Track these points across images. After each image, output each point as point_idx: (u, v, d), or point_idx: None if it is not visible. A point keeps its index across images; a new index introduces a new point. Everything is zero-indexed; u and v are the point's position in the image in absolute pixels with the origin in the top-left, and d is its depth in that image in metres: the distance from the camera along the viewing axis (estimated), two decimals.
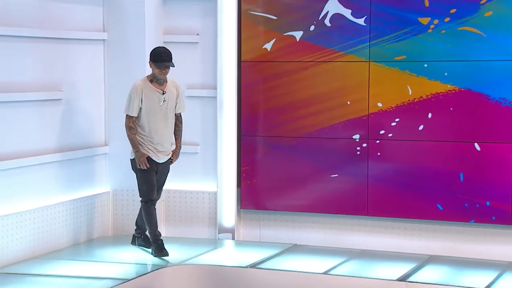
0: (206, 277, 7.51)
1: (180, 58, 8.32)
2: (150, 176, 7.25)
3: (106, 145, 8.62)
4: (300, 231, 8.46)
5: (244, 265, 7.47)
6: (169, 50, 7.19)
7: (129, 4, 8.58)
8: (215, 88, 8.51)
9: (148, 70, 8.23)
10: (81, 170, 8.36)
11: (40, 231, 7.69)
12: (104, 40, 8.55)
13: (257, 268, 7.42)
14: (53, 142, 8.01)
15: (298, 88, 8.37)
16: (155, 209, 7.44)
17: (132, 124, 7.09)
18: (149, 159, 7.16)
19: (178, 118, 7.40)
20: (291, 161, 8.48)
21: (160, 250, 7.24)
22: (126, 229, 8.64)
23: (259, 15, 8.36)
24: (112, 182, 8.61)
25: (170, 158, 7.39)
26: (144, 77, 7.18)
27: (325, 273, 7.16)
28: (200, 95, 8.63)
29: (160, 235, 7.42)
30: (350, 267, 7.41)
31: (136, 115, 7.10)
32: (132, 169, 7.34)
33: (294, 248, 8.11)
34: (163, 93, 7.10)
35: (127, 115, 7.11)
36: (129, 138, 7.13)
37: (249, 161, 8.69)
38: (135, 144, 7.10)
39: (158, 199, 7.49)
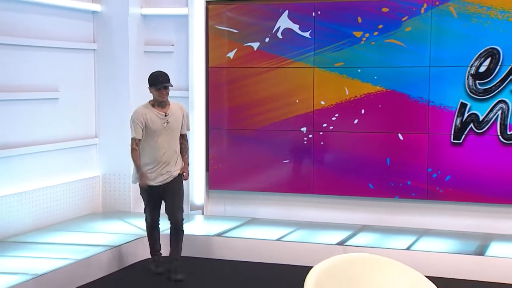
0: (187, 244, 7.20)
1: (158, 65, 8.25)
2: (153, 201, 6.52)
3: (96, 137, 8.68)
4: (258, 207, 8.52)
5: (212, 234, 7.60)
6: (165, 73, 6.53)
7: (115, 20, 8.56)
8: (188, 90, 8.60)
9: (132, 76, 8.47)
10: (75, 158, 8.40)
11: (41, 208, 7.79)
12: (94, 49, 8.59)
13: (222, 236, 7.55)
14: (52, 134, 8.04)
15: (256, 90, 8.48)
16: (157, 230, 6.63)
17: (136, 146, 6.40)
18: (151, 187, 6.40)
19: (184, 138, 6.70)
20: (250, 150, 8.57)
21: (155, 266, 6.55)
22: (114, 207, 8.77)
23: (223, 29, 8.45)
24: (101, 168, 8.67)
25: (180, 174, 6.51)
26: (146, 102, 6.50)
27: (278, 239, 7.40)
28: (175, 95, 8.15)
29: (158, 251, 6.64)
30: (298, 235, 7.57)
31: (140, 137, 6.37)
32: (140, 194, 6.63)
33: (252, 221, 8.22)
34: (166, 115, 6.39)
35: (132, 138, 6.43)
36: (132, 159, 6.46)
37: (216, 149, 8.71)
38: (137, 165, 6.43)
39: (177, 223, 6.42)
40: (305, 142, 8.34)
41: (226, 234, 7.67)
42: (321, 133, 8.30)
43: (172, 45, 8.73)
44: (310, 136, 8.32)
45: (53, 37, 7.97)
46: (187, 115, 6.72)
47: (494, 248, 7.11)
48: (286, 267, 7.01)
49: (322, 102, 8.27)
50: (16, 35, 7.34)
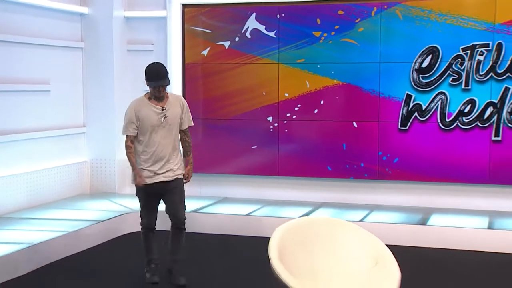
0: (160, 220, 6.81)
1: (139, 62, 8.29)
2: (151, 201, 5.53)
3: (84, 126, 8.71)
4: (229, 187, 8.54)
5: (189, 211, 7.32)
6: (163, 67, 5.53)
7: (100, 21, 8.56)
8: None
9: (116, 72, 8.53)
10: (65, 144, 8.41)
11: (34, 188, 7.82)
12: (82, 48, 8.58)
13: (198, 212, 7.58)
14: (44, 122, 8.00)
15: (227, 83, 8.53)
16: (153, 234, 5.61)
17: (130, 143, 5.45)
18: (148, 186, 5.42)
19: (186, 133, 5.67)
20: (223, 137, 8.61)
21: (151, 274, 5.49)
22: (100, 188, 8.79)
23: (198, 29, 8.49)
24: (89, 154, 8.70)
25: (182, 176, 5.61)
26: (142, 95, 5.52)
27: (247, 215, 7.52)
28: None
29: (155, 259, 5.55)
30: (265, 211, 7.67)
31: (131, 134, 5.43)
32: (136, 194, 5.62)
33: (224, 200, 8.30)
34: (163, 109, 5.40)
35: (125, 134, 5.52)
36: (127, 158, 5.51)
37: (192, 137, 8.21)
38: (131, 163, 5.47)
39: (179, 221, 5.50)
40: (271, 130, 8.41)
41: (201, 211, 7.70)
42: (285, 121, 8.37)
43: (152, 44, 8.73)
44: (276, 124, 8.39)
45: (45, 36, 7.99)
46: (188, 108, 5.66)
47: (434, 219, 7.29)
48: (254, 238, 7.02)
49: (286, 94, 8.35)
50: (12, 33, 7.37)
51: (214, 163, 8.66)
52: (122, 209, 7.57)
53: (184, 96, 8.57)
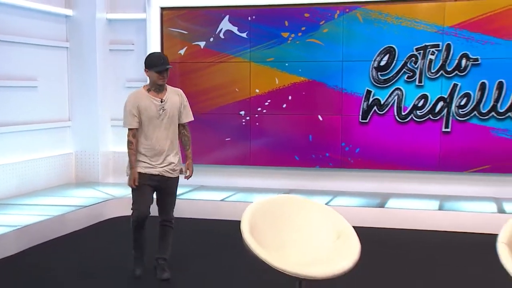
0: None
1: (121, 61, 8.70)
2: (146, 194, 4.95)
3: (69, 120, 8.61)
4: (205, 176, 8.34)
5: None
6: (164, 55, 5.12)
7: (84, 23, 8.48)
8: (146, 81, 7.79)
9: (99, 70, 8.46)
10: (52, 137, 8.35)
11: (23, 177, 7.76)
12: (67, 47, 8.51)
13: (176, 199, 7.41)
14: (32, 116, 7.92)
15: (203, 81, 8.50)
16: (144, 230, 5.05)
17: (132, 138, 4.88)
18: (146, 176, 4.88)
19: (185, 127, 5.12)
20: (199, 130, 8.14)
21: (137, 266, 5.08)
22: (85, 178, 8.70)
23: (175, 30, 8.45)
24: (74, 146, 8.64)
25: (178, 177, 5.12)
26: (140, 88, 5.01)
27: (221, 200, 7.57)
28: (136, 86, 8.10)
29: (142, 256, 5.11)
30: (238, 197, 7.70)
31: (134, 127, 4.86)
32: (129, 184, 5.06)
33: (200, 187, 8.27)
34: (162, 101, 4.88)
35: (128, 128, 4.94)
36: (128, 154, 4.94)
37: None
38: (130, 163, 4.89)
39: (168, 220, 5.07)
40: (243, 123, 8.43)
41: (180, 197, 7.16)
42: (256, 115, 8.38)
43: (133, 44, 8.67)
44: (248, 118, 8.40)
45: (33, 36, 7.93)
46: (187, 101, 5.12)
47: (391, 203, 7.39)
48: (228, 221, 6.99)
49: (257, 90, 8.36)
50: (2, 33, 7.30)
51: (192, 154, 8.57)
52: (105, 196, 7.54)
53: None
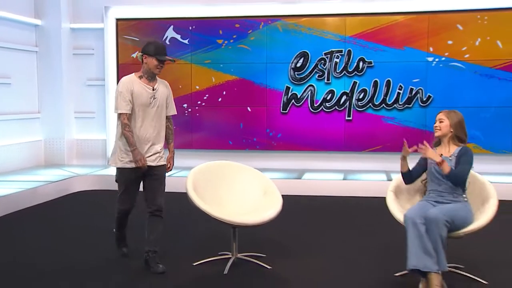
0: (101, 180, 7.48)
1: (83, 63, 8.55)
2: (133, 184, 4.16)
3: (39, 112, 8.45)
4: None
5: None
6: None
7: (51, 30, 8.34)
8: (104, 80, 8.46)
9: (64, 71, 8.29)
10: (23, 126, 8.20)
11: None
12: (36, 51, 8.38)
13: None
14: (6, 108, 7.75)
15: None
16: (127, 221, 4.34)
17: (127, 121, 4.01)
18: (132, 170, 4.07)
19: (169, 120, 4.40)
20: None
21: (123, 245, 4.39)
22: (52, 161, 8.51)
23: (128, 37, 8.36)
24: (43, 134, 8.50)
25: (165, 164, 4.33)
26: (132, 74, 4.14)
27: (169, 176, 7.06)
28: (96, 84, 8.56)
29: (125, 235, 4.39)
30: (181, 173, 7.55)
31: (128, 111, 4.01)
32: (116, 180, 4.22)
33: None
34: (153, 90, 4.13)
35: (119, 113, 4.03)
36: (125, 137, 4.01)
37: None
38: (131, 143, 3.99)
39: (157, 209, 4.11)
40: (186, 114, 8.35)
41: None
42: (196, 108, 8.33)
43: (93, 49, 8.57)
44: (190, 110, 8.30)
45: (7, 41, 7.81)
46: (172, 95, 4.41)
47: (306, 176, 7.56)
48: (175, 193, 6.44)
49: (197, 87, 8.32)
50: None
51: None
52: (71, 174, 7.48)
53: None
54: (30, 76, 8.29)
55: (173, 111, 4.40)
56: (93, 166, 8.27)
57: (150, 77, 4.15)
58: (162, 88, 4.24)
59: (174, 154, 4.51)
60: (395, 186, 4.13)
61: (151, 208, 4.13)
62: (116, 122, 4.17)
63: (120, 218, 4.30)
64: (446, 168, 3.72)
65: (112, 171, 6.86)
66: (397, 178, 4.12)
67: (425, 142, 3.84)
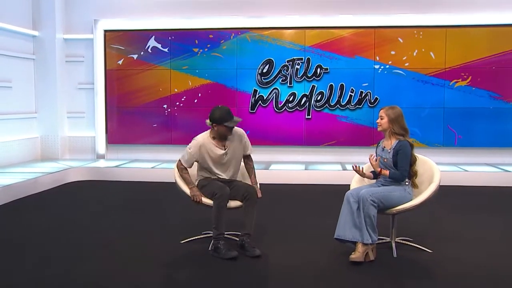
0: (93, 172, 7.69)
1: (74, 69, 8.71)
2: (216, 183, 4.18)
3: (36, 112, 8.77)
4: (138, 153, 8.76)
5: (112, 166, 7.93)
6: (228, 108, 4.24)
7: (47, 41, 8.60)
8: (93, 84, 8.74)
9: (58, 76, 8.50)
10: (22, 125, 8.47)
11: (1, 155, 7.87)
12: (34, 59, 8.68)
13: (118, 167, 7.84)
14: (7, 109, 8.03)
15: (136, 83, 8.62)
16: (226, 207, 4.12)
17: (183, 166, 4.19)
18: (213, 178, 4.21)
19: (248, 158, 4.40)
20: (133, 119, 8.70)
21: (226, 250, 4.03)
22: (48, 156, 8.76)
23: (115, 46, 8.66)
24: (39, 131, 8.80)
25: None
26: (207, 133, 4.26)
27: (151, 168, 7.76)
28: (86, 87, 8.81)
29: (223, 236, 4.10)
30: (163, 166, 7.71)
31: (188, 167, 4.20)
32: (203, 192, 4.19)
33: (135, 160, 8.54)
34: (225, 148, 4.19)
35: (181, 160, 4.23)
36: (182, 178, 4.22)
37: (111, 119, 8.76)
38: (188, 182, 4.17)
39: (251, 193, 4.14)
40: (166, 114, 8.62)
41: (120, 167, 7.95)
42: (175, 108, 8.57)
43: (83, 57, 8.82)
44: (169, 110, 8.60)
45: (8, 49, 8.08)
46: (247, 138, 4.37)
47: (273, 167, 7.87)
48: (157, 183, 7.28)
49: (176, 90, 8.57)
50: None
51: (127, 137, 8.76)
52: (65, 166, 7.76)
53: (105, 92, 8.61)
54: (28, 80, 8.60)
55: (249, 150, 4.40)
56: (84, 160, 8.60)
57: (223, 138, 4.22)
58: (235, 140, 4.27)
59: (257, 184, 4.38)
60: (365, 168, 4.29)
61: (246, 196, 4.17)
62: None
63: (220, 205, 4.09)
64: (386, 173, 3.99)
65: (101, 163, 7.39)
66: (366, 165, 4.36)
67: (370, 156, 4.03)
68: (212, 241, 4.13)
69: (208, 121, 4.25)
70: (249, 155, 4.44)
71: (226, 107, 4.24)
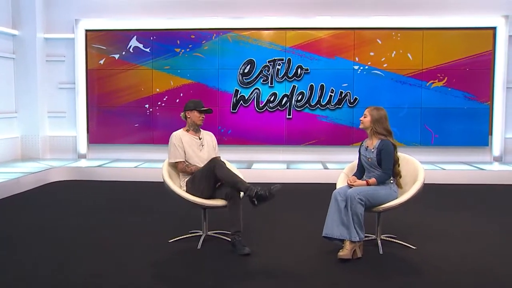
0: (75, 172, 7.66)
1: (55, 69, 8.66)
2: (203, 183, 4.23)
3: (16, 112, 8.71)
4: (120, 152, 8.72)
5: (93, 166, 7.89)
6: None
7: (27, 40, 8.55)
8: (74, 83, 8.70)
9: (38, 76, 8.38)
10: (3, 125, 8.43)
11: None
12: (14, 58, 8.61)
13: (101, 167, 7.81)
14: None
15: (118, 82, 8.61)
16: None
17: (186, 166, 4.36)
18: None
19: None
20: (114, 118, 8.66)
21: (242, 246, 4.09)
22: (28, 155, 8.72)
23: (96, 46, 8.63)
24: (20, 131, 8.77)
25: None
26: (180, 129, 4.51)
27: (134, 167, 7.77)
28: (67, 87, 8.76)
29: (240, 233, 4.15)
30: (145, 165, 7.79)
31: (183, 159, 4.37)
32: (189, 191, 4.29)
33: (116, 160, 8.52)
34: (200, 139, 4.45)
35: (176, 162, 4.40)
36: (190, 170, 4.33)
37: (92, 118, 8.74)
38: (196, 169, 4.34)
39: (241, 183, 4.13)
40: (148, 113, 8.63)
41: (103, 166, 7.93)
42: (157, 108, 8.58)
43: (64, 57, 8.79)
44: (151, 109, 8.61)
45: None
46: (216, 143, 4.63)
47: (255, 166, 7.92)
48: (140, 182, 7.34)
49: (157, 90, 8.57)
50: None
51: (108, 136, 8.74)
52: (47, 166, 7.72)
53: (87, 91, 8.60)
54: (8, 80, 8.53)
55: (218, 152, 4.60)
56: (65, 159, 8.57)
57: (196, 129, 4.52)
58: (207, 138, 4.56)
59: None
60: (347, 169, 4.48)
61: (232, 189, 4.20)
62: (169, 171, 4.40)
63: (234, 199, 4.17)
64: (373, 182, 4.03)
65: (82, 163, 7.41)
66: (351, 164, 4.49)
67: (350, 179, 4.07)
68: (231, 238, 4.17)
69: (182, 113, 4.57)
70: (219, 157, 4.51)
71: (198, 99, 4.58)
